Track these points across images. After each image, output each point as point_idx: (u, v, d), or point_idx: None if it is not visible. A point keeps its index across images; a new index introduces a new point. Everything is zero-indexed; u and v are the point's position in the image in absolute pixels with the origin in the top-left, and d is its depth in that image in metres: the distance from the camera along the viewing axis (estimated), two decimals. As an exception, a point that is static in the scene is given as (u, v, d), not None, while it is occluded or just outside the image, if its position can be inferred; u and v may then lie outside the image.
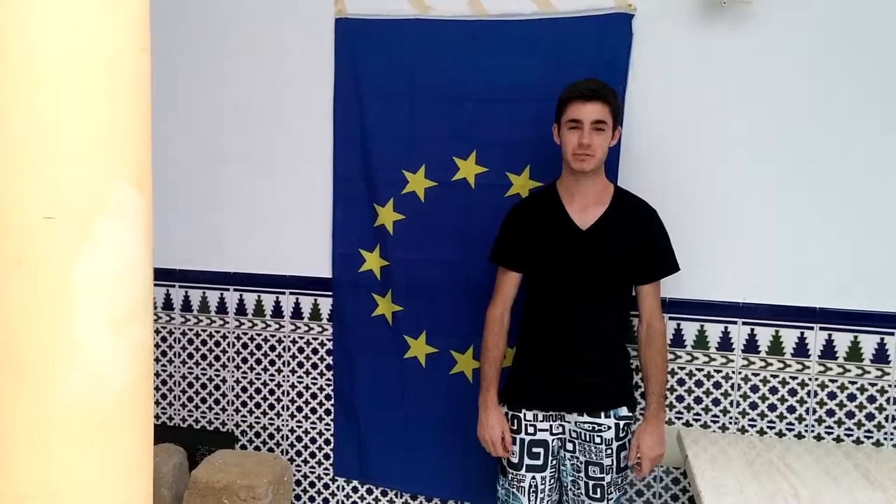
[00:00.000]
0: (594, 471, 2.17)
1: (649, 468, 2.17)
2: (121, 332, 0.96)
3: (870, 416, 2.39)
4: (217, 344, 2.86)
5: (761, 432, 2.46)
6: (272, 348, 2.81)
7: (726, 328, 2.45)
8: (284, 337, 2.80)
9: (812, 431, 2.43)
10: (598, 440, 2.16)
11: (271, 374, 2.82)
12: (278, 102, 2.72)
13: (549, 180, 2.27)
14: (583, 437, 2.18)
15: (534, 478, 2.20)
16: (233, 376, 2.86)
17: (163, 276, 2.84)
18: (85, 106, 0.91)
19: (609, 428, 2.16)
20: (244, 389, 2.85)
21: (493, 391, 2.24)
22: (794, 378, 2.43)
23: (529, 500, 2.20)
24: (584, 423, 2.17)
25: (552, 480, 2.23)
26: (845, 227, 2.35)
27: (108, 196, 0.94)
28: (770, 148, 2.37)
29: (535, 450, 2.20)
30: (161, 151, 2.72)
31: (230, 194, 2.79)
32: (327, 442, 2.81)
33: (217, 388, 2.88)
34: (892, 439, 2.38)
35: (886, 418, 2.38)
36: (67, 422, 0.93)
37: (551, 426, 2.21)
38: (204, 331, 2.86)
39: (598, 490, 2.17)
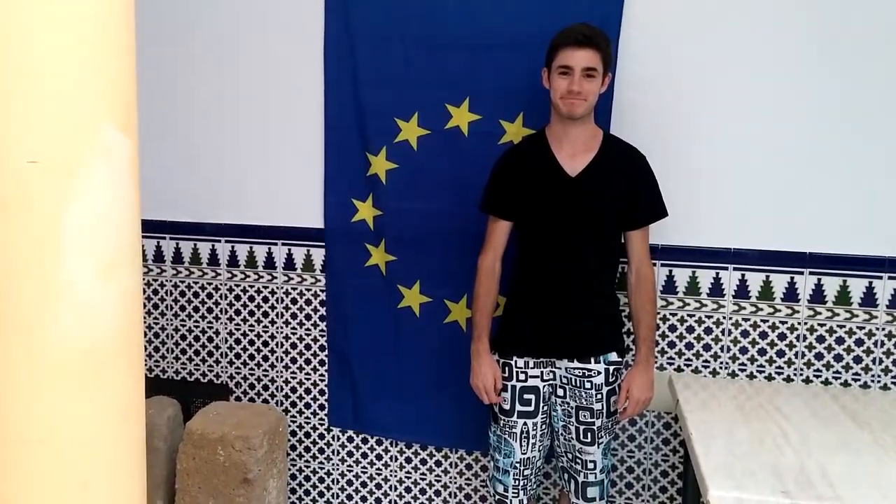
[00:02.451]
0: (584, 416, 2.19)
1: (634, 411, 2.20)
2: (109, 276, 0.96)
3: (857, 359, 2.42)
4: (209, 296, 2.86)
5: (751, 376, 2.49)
6: (265, 300, 2.81)
7: (717, 274, 2.46)
8: (277, 288, 2.80)
9: (801, 375, 2.46)
10: (588, 385, 2.18)
11: (265, 326, 2.83)
12: (268, 51, 2.67)
13: (540, 128, 2.25)
14: (573, 383, 2.20)
15: (525, 424, 2.23)
16: (226, 328, 2.86)
17: (153, 227, 2.82)
18: (68, 48, 0.89)
19: (599, 373, 2.18)
20: (238, 341, 2.86)
21: (485, 339, 2.25)
22: (783, 323, 2.45)
23: (521, 446, 2.23)
24: (575, 368, 2.19)
25: (543, 426, 2.25)
26: (835, 173, 2.35)
27: (94, 139, 0.92)
28: (762, 94, 2.35)
29: (526, 396, 2.22)
30: (150, 102, 2.69)
31: (220, 144, 2.76)
32: (322, 392, 2.83)
33: (210, 340, 2.88)
34: (879, 381, 2.41)
35: (874, 361, 2.41)
36: (58, 366, 0.93)
37: (542, 373, 2.23)
38: (196, 283, 2.86)
39: (589, 434, 2.20)
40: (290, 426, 2.86)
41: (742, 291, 2.46)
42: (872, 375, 2.42)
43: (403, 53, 2.54)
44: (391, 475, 2.82)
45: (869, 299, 2.38)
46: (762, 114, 2.36)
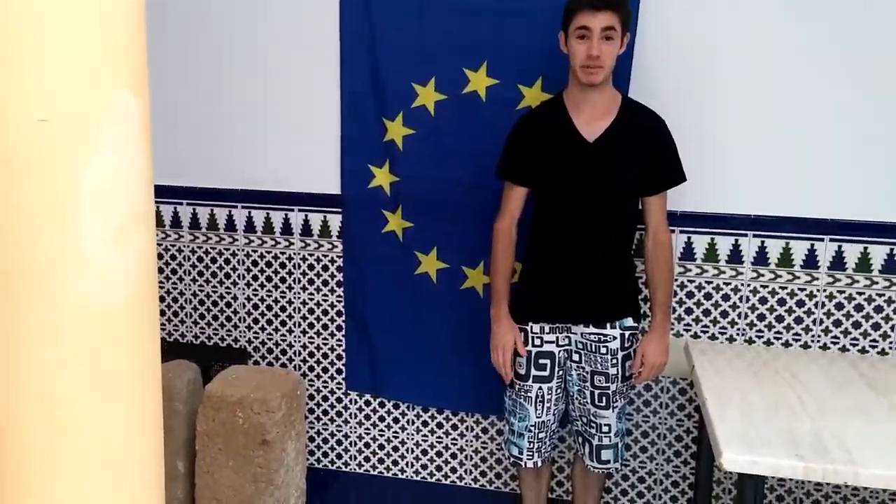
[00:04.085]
0: (600, 380, 2.20)
1: (649, 375, 2.21)
2: (123, 238, 0.96)
3: (876, 326, 2.40)
4: (227, 262, 2.88)
5: (768, 343, 2.48)
6: (282, 265, 2.83)
7: (737, 241, 2.44)
8: (294, 254, 2.81)
9: (818, 342, 2.45)
10: (603, 350, 2.18)
11: (282, 292, 2.85)
12: (285, 17, 2.64)
13: (557, 92, 2.23)
14: (589, 348, 2.20)
15: (540, 388, 2.24)
16: (244, 293, 2.89)
17: (170, 193, 2.83)
18: (77, 7, 0.89)
19: (615, 339, 2.18)
20: (255, 307, 2.89)
21: (505, 304, 2.25)
22: (802, 290, 2.43)
23: (536, 410, 2.25)
24: (590, 333, 2.19)
25: (559, 390, 2.27)
26: (857, 139, 2.31)
27: (104, 100, 0.92)
28: (785, 59, 2.31)
29: (541, 361, 2.23)
30: (167, 68, 2.70)
31: (236, 110, 2.76)
32: (339, 357, 2.86)
33: (228, 305, 2.91)
34: (897, 348, 2.40)
35: (892, 328, 2.39)
36: (72, 329, 0.94)
37: (557, 338, 2.23)
38: (213, 248, 2.88)
39: (604, 398, 2.20)
40: (308, 390, 2.89)
41: (761, 258, 2.44)
42: (891, 342, 2.40)
43: (420, 17, 2.51)
44: (408, 438, 2.86)
45: (890, 266, 2.35)
46: (785, 79, 2.32)
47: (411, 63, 2.54)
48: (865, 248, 2.36)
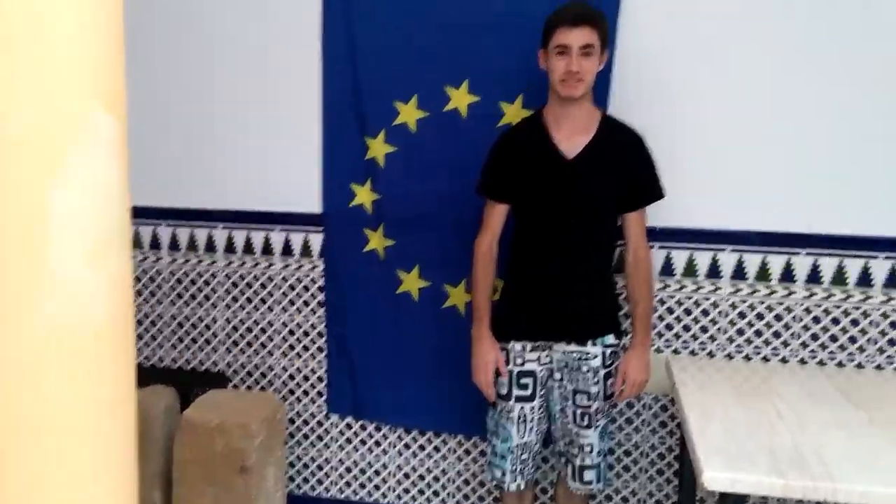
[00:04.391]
0: (581, 399, 2.20)
1: (631, 393, 2.21)
2: (98, 262, 0.95)
3: (852, 340, 2.42)
4: (206, 283, 2.85)
5: (747, 358, 2.49)
6: (263, 286, 2.81)
7: (715, 256, 2.46)
8: (275, 274, 2.79)
9: (796, 356, 2.46)
10: (585, 368, 2.18)
11: (262, 313, 2.83)
12: (265, 34, 2.64)
13: (537, 109, 2.24)
14: (570, 366, 2.20)
15: (522, 408, 2.23)
16: (223, 315, 2.86)
17: (150, 214, 2.81)
18: (52, 26, 0.88)
19: (596, 356, 2.18)
20: (235, 329, 2.86)
21: (486, 321, 2.25)
22: (780, 304, 2.45)
23: (518, 430, 2.24)
24: (572, 351, 2.19)
25: (540, 410, 2.26)
26: (832, 154, 2.34)
27: (80, 120, 0.91)
28: (761, 74, 2.34)
29: (523, 381, 2.22)
30: (146, 87, 2.68)
31: (216, 129, 2.74)
32: (320, 380, 2.83)
33: (207, 327, 2.88)
34: (873, 362, 2.41)
35: (868, 341, 2.41)
36: (45, 355, 0.92)
37: (539, 356, 2.23)
38: (193, 269, 2.85)
39: (586, 417, 2.20)
40: (288, 414, 2.86)
41: (739, 273, 2.45)
42: (867, 356, 2.42)
43: (402, 35, 2.52)
44: (389, 461, 2.83)
45: (865, 279, 2.38)
46: (761, 94, 2.35)
47: (393, 81, 2.55)
48: (841, 262, 2.39)
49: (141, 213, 2.76)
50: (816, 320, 2.43)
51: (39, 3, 0.87)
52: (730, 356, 2.50)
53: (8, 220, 0.87)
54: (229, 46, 2.69)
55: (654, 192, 2.21)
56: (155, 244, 2.86)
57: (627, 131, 2.19)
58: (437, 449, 2.78)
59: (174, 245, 2.85)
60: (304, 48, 2.61)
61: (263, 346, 2.85)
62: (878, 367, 2.41)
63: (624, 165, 2.15)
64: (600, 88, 2.26)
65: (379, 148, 2.60)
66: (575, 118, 2.13)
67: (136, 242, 2.84)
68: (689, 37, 2.37)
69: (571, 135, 2.13)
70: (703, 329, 2.51)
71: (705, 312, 2.50)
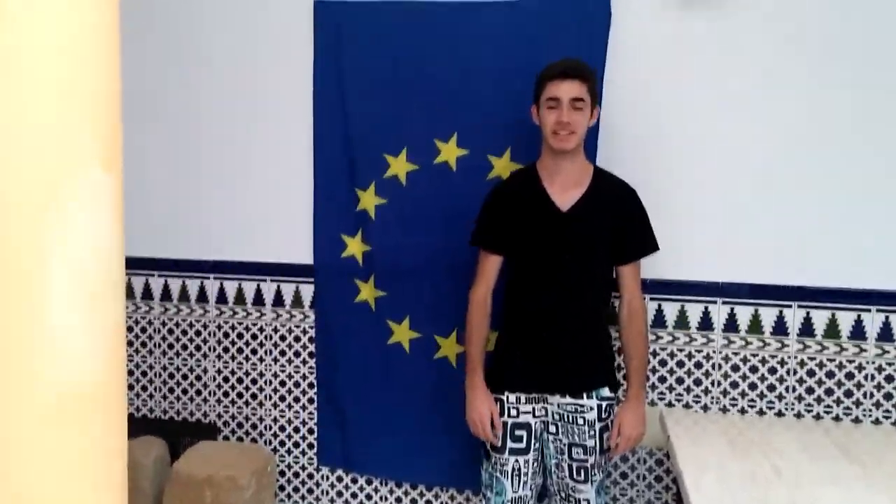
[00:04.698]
0: (578, 452, 2.17)
1: (626, 447, 2.19)
2: (92, 317, 0.94)
3: (848, 393, 2.41)
4: (198, 333, 2.84)
5: (742, 411, 2.48)
6: (254, 337, 2.79)
7: (706, 308, 2.47)
8: (266, 325, 2.78)
9: (792, 409, 2.45)
10: (580, 421, 2.16)
11: (253, 364, 2.81)
12: (257, 88, 2.69)
13: (531, 162, 2.27)
14: (566, 419, 2.18)
15: (517, 461, 2.20)
16: (214, 366, 2.84)
17: (141, 264, 2.81)
18: (49, 83, 0.89)
19: (592, 409, 2.16)
20: (226, 379, 2.83)
21: (480, 372, 2.23)
22: (773, 356, 2.45)
23: (513, 484, 2.21)
24: (567, 404, 2.18)
25: (535, 464, 2.23)
26: (823, 207, 2.37)
27: (77, 177, 0.92)
28: (749, 127, 2.38)
29: (518, 433, 2.20)
30: (139, 139, 2.70)
31: (208, 181, 2.77)
32: (311, 431, 2.80)
33: (198, 378, 2.86)
34: (870, 416, 2.40)
35: (864, 395, 2.41)
36: (36, 411, 0.91)
37: (534, 409, 2.21)
38: (184, 320, 2.84)
39: (583, 472, 2.17)
40: (278, 466, 2.82)
41: (731, 325, 2.46)
42: (863, 409, 2.41)
43: (392, 89, 2.57)
44: (381, 515, 2.78)
45: (858, 332, 2.38)
46: (750, 147, 2.38)
47: (383, 134, 2.59)
48: (833, 315, 2.39)
49: (133, 264, 2.76)
50: (811, 373, 2.43)
51: (47, 69, 0.88)
52: (724, 409, 2.49)
53: (9, 277, 0.87)
54: (221, 99, 2.72)
55: (647, 244, 2.22)
56: (147, 294, 2.85)
57: (620, 185, 2.21)
58: (429, 503, 2.74)
59: (166, 295, 2.84)
60: (296, 102, 2.65)
61: (254, 396, 2.82)
62: (876, 420, 2.40)
63: (617, 218, 2.17)
64: (588, 144, 2.29)
65: (369, 200, 2.62)
66: (568, 172, 2.16)
67: (128, 293, 2.83)
68: (676, 94, 2.41)
69: (565, 188, 2.16)
70: (697, 382, 2.50)
71: (698, 365, 2.49)
